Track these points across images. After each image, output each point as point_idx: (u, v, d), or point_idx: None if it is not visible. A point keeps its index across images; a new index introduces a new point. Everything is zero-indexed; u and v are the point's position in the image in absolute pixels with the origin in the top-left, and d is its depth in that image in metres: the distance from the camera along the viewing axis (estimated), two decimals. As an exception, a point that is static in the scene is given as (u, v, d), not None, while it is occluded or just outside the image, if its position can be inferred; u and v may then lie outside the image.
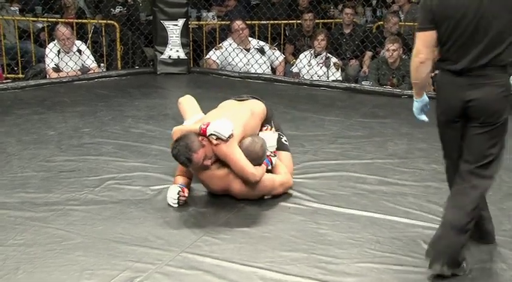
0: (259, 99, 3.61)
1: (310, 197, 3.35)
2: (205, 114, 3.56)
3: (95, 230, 2.89)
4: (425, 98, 2.68)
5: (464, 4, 2.42)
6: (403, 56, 6.00)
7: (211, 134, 3.09)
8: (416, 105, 2.69)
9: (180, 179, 3.28)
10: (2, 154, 3.93)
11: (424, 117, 2.72)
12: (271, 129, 3.47)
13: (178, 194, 3.15)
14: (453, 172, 2.68)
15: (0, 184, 3.43)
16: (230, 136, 3.09)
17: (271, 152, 3.35)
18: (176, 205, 3.15)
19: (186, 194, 3.18)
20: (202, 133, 3.12)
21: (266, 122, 3.51)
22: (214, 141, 3.09)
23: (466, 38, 2.45)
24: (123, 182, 3.48)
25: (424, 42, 2.53)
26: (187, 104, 3.78)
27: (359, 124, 4.77)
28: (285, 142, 3.56)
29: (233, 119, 3.21)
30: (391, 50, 5.81)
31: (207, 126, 3.11)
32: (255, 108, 3.48)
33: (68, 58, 6.05)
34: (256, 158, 3.17)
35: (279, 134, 3.52)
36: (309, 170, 3.65)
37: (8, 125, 4.58)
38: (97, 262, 2.59)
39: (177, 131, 3.31)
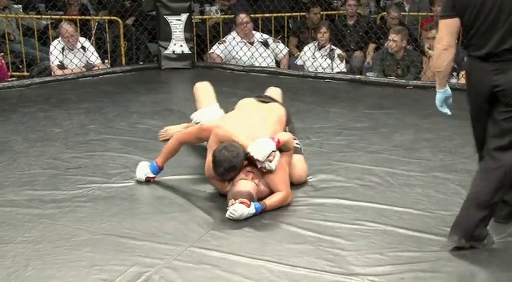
0: (279, 102, 3.58)
1: (316, 189, 3.35)
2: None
3: (103, 226, 2.90)
4: (448, 89, 2.72)
5: None
6: (408, 47, 5.98)
7: (263, 165, 3.04)
8: (439, 96, 2.74)
9: (163, 161, 3.38)
10: (9, 152, 3.94)
11: (446, 110, 2.76)
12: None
13: (145, 179, 3.38)
14: (481, 150, 2.72)
15: (8, 182, 3.45)
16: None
17: (265, 160, 3.05)
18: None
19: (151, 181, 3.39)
20: (249, 158, 3.05)
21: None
22: (264, 169, 3.06)
23: (488, 24, 2.50)
24: (130, 178, 3.48)
25: (447, 29, 2.60)
26: (204, 91, 3.79)
27: (364, 115, 4.76)
28: (297, 145, 3.47)
29: (262, 129, 3.20)
30: (392, 41, 5.79)
31: (254, 155, 3.02)
32: (279, 114, 3.43)
33: (72, 55, 6.06)
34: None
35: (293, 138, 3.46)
36: (314, 163, 3.64)
37: (14, 123, 4.59)
38: (105, 258, 2.60)
39: (225, 133, 3.15)
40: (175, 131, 3.91)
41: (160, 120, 4.59)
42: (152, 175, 3.39)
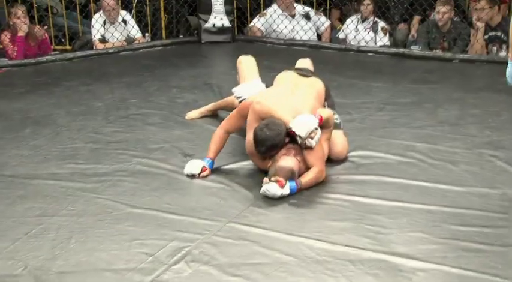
0: (318, 77, 3.50)
1: (357, 166, 3.30)
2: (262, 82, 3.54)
3: (144, 201, 2.92)
4: None
5: None
6: (455, 18, 5.79)
7: (304, 141, 3.00)
8: (510, 68, 2.64)
9: (213, 153, 3.21)
10: (52, 125, 4.00)
11: None
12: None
13: (200, 172, 3.15)
14: None
15: (51, 155, 3.50)
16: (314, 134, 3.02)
17: (306, 137, 3.02)
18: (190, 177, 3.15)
19: (206, 174, 3.16)
20: (290, 133, 3.02)
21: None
22: (304, 146, 3.02)
23: None
24: (170, 153, 3.50)
25: None
26: (247, 65, 3.77)
27: (408, 90, 4.66)
28: (336, 121, 3.37)
29: (303, 105, 3.15)
30: (441, 13, 5.62)
31: (296, 131, 2.99)
32: (318, 89, 3.35)
33: (113, 29, 6.09)
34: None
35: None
36: (356, 139, 3.58)
37: (57, 97, 4.65)
38: (146, 232, 2.62)
39: (265, 108, 3.11)
40: (197, 113, 4.04)
41: (200, 95, 4.59)
42: (207, 166, 3.19)
